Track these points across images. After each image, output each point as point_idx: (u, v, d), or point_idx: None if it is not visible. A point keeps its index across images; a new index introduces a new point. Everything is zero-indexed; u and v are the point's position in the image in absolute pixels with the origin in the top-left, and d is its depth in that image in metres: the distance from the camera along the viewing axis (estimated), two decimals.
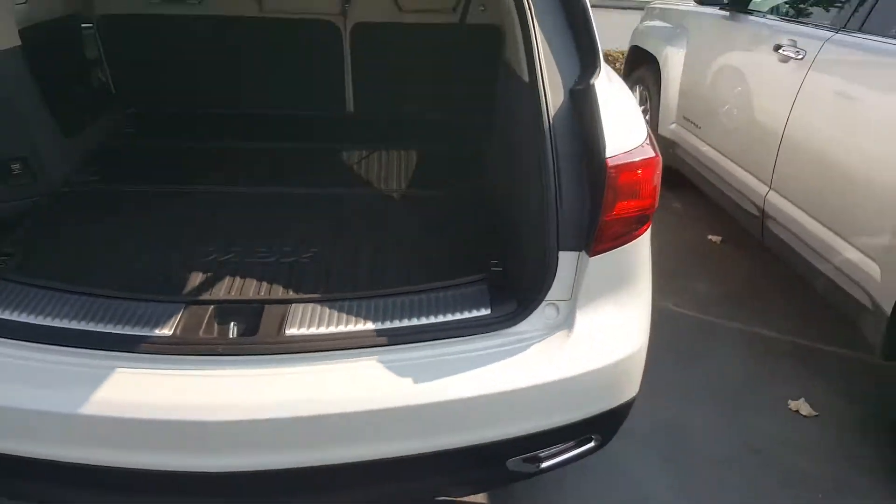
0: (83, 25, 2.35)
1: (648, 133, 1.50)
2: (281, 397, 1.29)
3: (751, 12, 3.27)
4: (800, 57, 2.69)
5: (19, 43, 1.77)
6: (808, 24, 2.86)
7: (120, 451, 1.27)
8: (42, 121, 1.88)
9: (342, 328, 1.41)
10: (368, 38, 2.53)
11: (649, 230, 1.59)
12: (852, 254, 2.35)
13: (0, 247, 1.61)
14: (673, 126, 3.78)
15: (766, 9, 3.26)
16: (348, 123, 2.58)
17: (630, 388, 1.53)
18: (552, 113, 1.39)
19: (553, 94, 1.41)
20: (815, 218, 2.57)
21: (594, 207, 1.37)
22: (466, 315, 1.45)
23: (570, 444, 1.57)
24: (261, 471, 1.29)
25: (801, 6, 3.06)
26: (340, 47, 2.49)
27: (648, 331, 1.61)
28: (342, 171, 2.24)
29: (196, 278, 1.59)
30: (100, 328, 1.36)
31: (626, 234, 1.44)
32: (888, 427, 2.29)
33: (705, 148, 3.43)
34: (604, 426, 1.56)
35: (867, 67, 2.48)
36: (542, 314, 1.45)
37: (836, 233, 2.45)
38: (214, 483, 1.29)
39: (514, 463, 1.49)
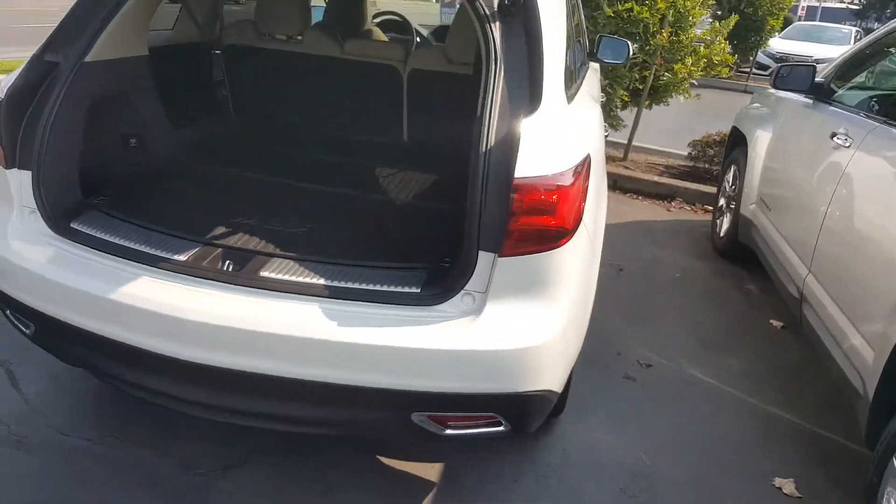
0: (214, 52, 3.05)
1: (577, 164, 1.76)
2: (241, 315, 1.70)
3: (829, 102, 3.32)
4: (846, 144, 2.75)
5: (146, 54, 2.40)
6: (860, 114, 2.91)
7: (126, 329, 1.75)
8: (155, 112, 2.50)
9: (302, 279, 1.80)
10: (422, 82, 3.01)
11: (580, 250, 1.84)
12: (857, 339, 2.36)
13: (104, 190, 2.20)
14: (752, 206, 3.83)
15: (844, 98, 3.31)
16: (401, 149, 3.04)
17: (532, 380, 1.74)
18: (493, 140, 1.71)
19: (498, 124, 1.73)
20: (836, 302, 2.58)
21: (504, 217, 1.67)
22: (399, 289, 1.77)
23: (478, 420, 1.83)
24: (210, 365, 1.70)
25: (865, 98, 3.10)
26: (401, 87, 2.97)
27: (571, 337, 1.85)
28: (371, 180, 2.69)
29: (220, 231, 2.07)
30: (141, 248, 1.87)
31: (534, 245, 1.70)
32: None
33: (772, 230, 3.46)
34: (506, 410, 1.79)
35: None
36: (461, 300, 1.74)
37: (849, 318, 2.47)
38: (178, 368, 1.72)
39: (418, 417, 1.77)
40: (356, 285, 1.78)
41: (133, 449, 2.17)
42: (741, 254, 4.09)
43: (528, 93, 1.78)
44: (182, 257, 1.85)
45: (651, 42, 5.66)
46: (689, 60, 5.81)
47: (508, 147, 1.68)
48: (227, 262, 1.86)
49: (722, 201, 4.49)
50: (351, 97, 2.95)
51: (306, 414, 1.82)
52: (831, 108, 3.24)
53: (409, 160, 2.79)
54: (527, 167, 1.66)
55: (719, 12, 11.15)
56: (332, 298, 1.75)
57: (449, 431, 1.83)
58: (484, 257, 1.71)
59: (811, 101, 3.46)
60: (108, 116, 2.23)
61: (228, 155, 2.77)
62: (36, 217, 1.90)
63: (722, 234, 4.37)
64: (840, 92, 3.37)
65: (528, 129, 1.71)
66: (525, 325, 1.73)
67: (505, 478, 2.28)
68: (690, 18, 5.85)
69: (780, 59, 12.27)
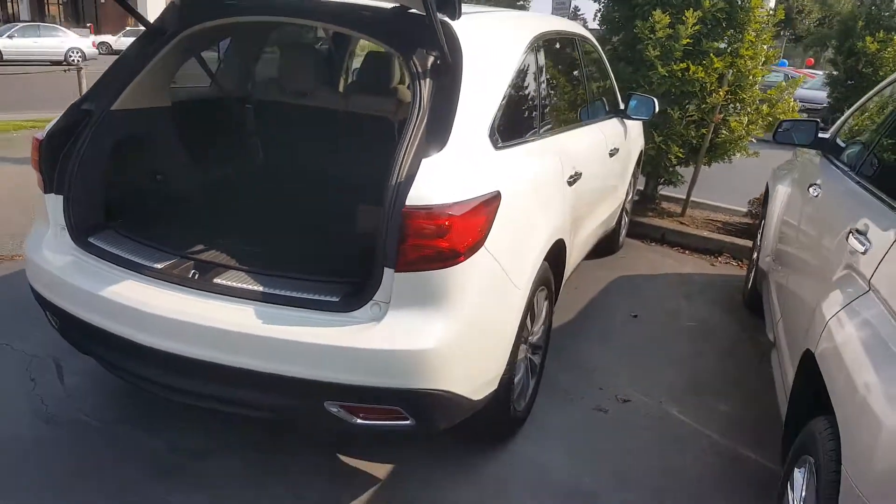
0: (246, 105, 3.62)
1: (472, 198, 2.06)
2: (192, 311, 2.10)
3: (830, 158, 3.35)
4: (815, 195, 2.83)
5: (168, 105, 2.95)
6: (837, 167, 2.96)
7: (111, 321, 2.19)
8: (176, 152, 3.05)
9: (245, 286, 2.19)
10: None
11: (479, 273, 2.11)
12: (788, 370, 2.45)
13: (121, 213, 2.70)
14: (768, 259, 3.86)
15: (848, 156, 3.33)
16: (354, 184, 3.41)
17: (424, 379, 2.01)
18: (403, 175, 2.04)
19: (410, 161, 2.07)
20: (785, 341, 2.66)
21: (397, 239, 1.99)
22: (322, 298, 2.12)
23: (383, 413, 2.12)
24: (166, 351, 2.11)
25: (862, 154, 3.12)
26: (393, 135, 3.38)
27: (471, 347, 2.13)
28: (327, 207, 3.09)
29: (197, 247, 2.54)
30: (134, 258, 2.32)
31: (425, 263, 2.00)
32: None
33: (771, 280, 3.50)
34: (406, 405, 2.06)
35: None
36: (370, 308, 2.06)
37: (788, 354, 2.55)
38: (143, 352, 2.15)
39: (330, 405, 2.09)
40: (288, 293, 2.16)
41: (136, 432, 2.60)
42: (761, 305, 4.08)
43: (437, 136, 2.11)
44: (161, 266, 2.29)
45: (708, 101, 5.77)
46: (745, 118, 5.85)
47: (409, 180, 2.01)
48: (194, 271, 2.30)
49: (754, 255, 4.50)
50: (352, 143, 3.40)
51: (240, 396, 2.16)
52: (820, 157, 3.29)
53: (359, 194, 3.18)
54: (417, 197, 1.98)
55: (835, 72, 10.74)
56: (267, 302, 2.13)
57: (359, 421, 2.13)
58: (388, 273, 2.03)
59: (818, 157, 3.50)
60: (129, 154, 2.73)
61: (224, 188, 3.29)
62: (64, 233, 2.44)
63: (749, 287, 4.37)
64: (846, 148, 3.40)
65: (428, 165, 2.03)
66: (418, 330, 2.02)
67: (445, 483, 2.51)
68: (751, 78, 5.92)
69: None
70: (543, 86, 2.98)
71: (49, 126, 2.50)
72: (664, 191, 6.72)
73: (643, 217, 6.09)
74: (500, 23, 2.88)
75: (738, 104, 5.96)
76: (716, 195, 6.80)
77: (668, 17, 5.45)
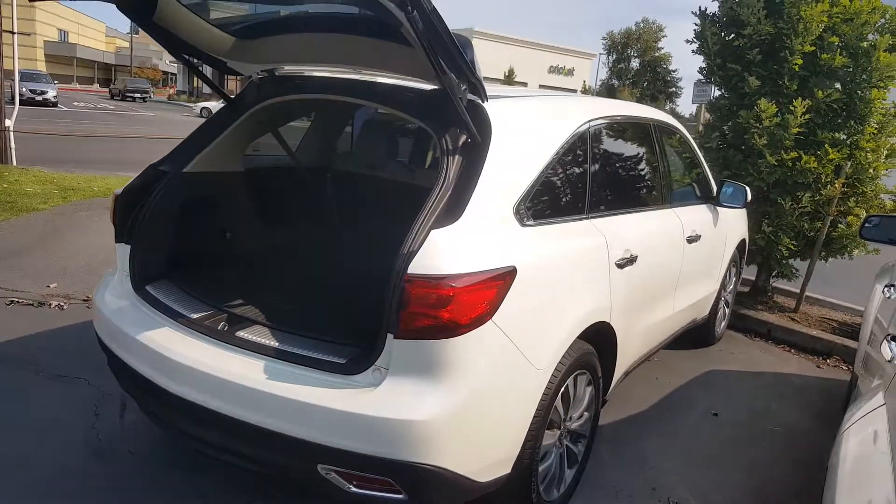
0: (326, 175, 3.86)
1: (479, 271, 2.05)
2: (209, 361, 2.25)
3: None
4: (888, 296, 2.56)
5: (241, 170, 3.20)
6: None
7: (141, 363, 2.39)
8: (239, 213, 3.27)
9: (261, 340, 2.33)
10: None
11: (487, 347, 2.09)
12: None
13: (182, 265, 2.92)
14: (860, 363, 3.48)
15: None
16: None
17: (417, 452, 1.99)
18: (416, 243, 2.08)
19: (425, 231, 2.11)
20: None
21: (398, 305, 2.02)
22: (329, 358, 2.19)
23: (376, 483, 2.10)
24: (188, 399, 2.24)
25: None
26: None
27: (475, 424, 2.11)
28: (353, 273, 3.23)
29: (235, 301, 2.72)
30: (176, 307, 2.54)
31: (426, 332, 2.01)
32: None
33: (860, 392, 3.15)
34: (398, 477, 2.04)
35: None
36: (371, 373, 2.09)
37: None
38: (169, 398, 2.29)
39: (324, 469, 2.10)
40: (300, 351, 2.25)
41: (174, 475, 2.75)
42: None
43: (453, 209, 2.15)
44: (196, 316, 2.49)
45: (822, 192, 5.41)
46: (861, 212, 5.41)
47: (416, 248, 2.05)
48: (224, 324, 2.46)
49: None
50: (371, 200, 3.61)
51: (238, 448, 2.26)
52: None
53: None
54: (419, 265, 2.02)
55: None
56: (277, 358, 2.22)
57: (354, 489, 2.13)
58: (389, 339, 2.06)
59: None
60: (196, 212, 2.99)
61: (274, 249, 3.50)
62: (127, 280, 2.70)
63: (850, 393, 3.92)
64: None
65: (437, 235, 2.07)
66: (412, 399, 2.03)
67: None
68: (872, 171, 5.50)
69: None
70: (596, 168, 2.95)
71: (128, 183, 2.81)
72: (780, 284, 6.28)
73: (750, 310, 5.71)
74: (546, 106, 2.93)
75: (857, 197, 5.52)
76: (840, 292, 6.24)
77: (774, 106, 5.23)
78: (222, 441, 2.30)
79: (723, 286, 4.81)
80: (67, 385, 3.38)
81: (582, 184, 2.83)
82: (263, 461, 2.28)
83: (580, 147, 2.83)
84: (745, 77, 5.47)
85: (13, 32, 10.47)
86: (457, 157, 2.29)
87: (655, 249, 3.38)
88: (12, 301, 4.42)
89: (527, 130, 2.58)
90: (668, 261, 3.60)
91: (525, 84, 38.51)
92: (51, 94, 26.81)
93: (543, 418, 2.41)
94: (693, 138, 4.70)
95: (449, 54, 2.08)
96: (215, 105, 26.85)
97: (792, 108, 5.17)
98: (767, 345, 5.29)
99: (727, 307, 5.27)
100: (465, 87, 2.24)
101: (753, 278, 6.23)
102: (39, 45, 57.11)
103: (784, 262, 5.86)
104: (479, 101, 2.38)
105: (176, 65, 55.59)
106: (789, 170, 5.41)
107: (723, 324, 5.21)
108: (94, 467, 2.78)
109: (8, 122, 10.13)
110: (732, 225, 4.76)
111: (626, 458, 3.26)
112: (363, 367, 2.11)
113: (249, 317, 2.57)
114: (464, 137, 2.33)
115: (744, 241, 5.19)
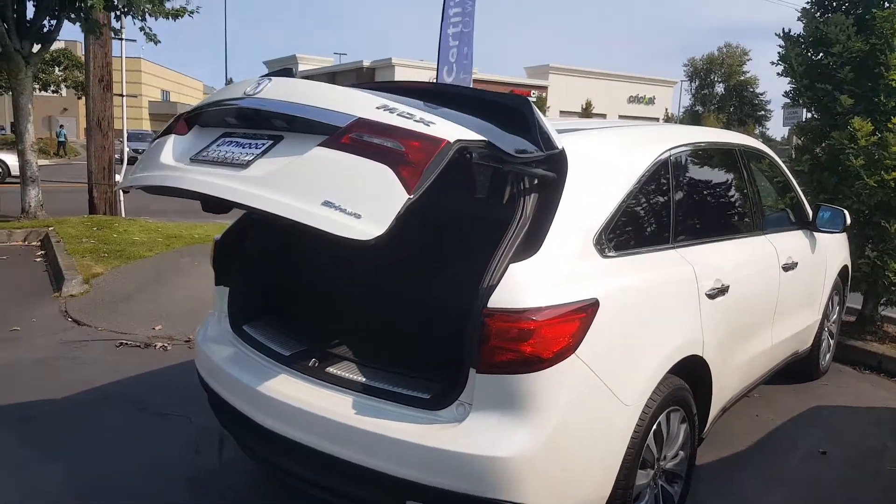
0: None
1: (561, 304, 2.04)
2: (300, 396, 2.32)
3: None
4: None
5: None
6: None
7: (238, 400, 2.49)
8: (331, 250, 3.35)
9: (349, 376, 2.39)
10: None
11: (570, 382, 2.06)
12: None
13: (277, 304, 3.02)
14: None
15: None
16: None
17: (500, 489, 1.98)
18: (496, 278, 2.09)
19: (504, 266, 2.12)
20: None
21: (480, 339, 2.02)
22: (414, 394, 2.21)
23: None
24: (281, 434, 2.31)
25: None
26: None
27: (560, 462, 2.08)
28: (427, 309, 3.21)
29: (325, 337, 2.80)
30: (271, 345, 2.63)
31: (508, 366, 2.00)
32: None
33: None
34: None
35: None
36: (455, 409, 2.10)
37: None
38: (264, 433, 2.37)
39: None
40: (387, 386, 2.29)
41: None
42: None
43: (532, 243, 2.16)
44: (288, 353, 2.57)
45: None
46: None
47: (497, 282, 2.06)
48: (314, 360, 2.52)
49: None
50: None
51: (331, 484, 2.30)
52: None
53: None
54: (499, 300, 2.02)
55: None
56: (365, 394, 2.27)
57: None
58: (472, 374, 2.07)
59: None
60: (288, 254, 3.09)
61: (361, 285, 3.53)
62: (226, 320, 2.84)
63: None
64: None
65: (515, 269, 2.08)
66: (497, 435, 2.02)
67: None
68: None
69: None
70: (680, 196, 2.89)
71: (226, 229, 2.97)
72: (889, 312, 5.87)
73: (858, 341, 5.37)
74: (624, 137, 2.90)
75: None
76: None
77: (870, 124, 4.97)
78: (314, 476, 2.36)
79: (825, 316, 4.55)
80: (170, 422, 3.57)
81: (666, 213, 2.78)
82: (354, 496, 2.32)
83: (662, 176, 2.78)
84: (836, 96, 5.24)
85: (123, 95, 11.40)
86: (533, 194, 2.30)
87: (749, 278, 3.25)
88: (122, 343, 4.73)
89: (604, 162, 2.57)
90: (764, 290, 3.45)
91: (604, 116, 38.28)
92: None
93: (635, 457, 2.33)
94: (784, 162, 4.53)
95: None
96: None
97: (891, 125, 4.90)
98: (879, 378, 4.94)
99: (832, 338, 4.97)
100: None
101: (860, 307, 5.85)
102: (144, 105, 61.68)
103: (892, 288, 5.48)
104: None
105: None
106: (892, 190, 5.09)
107: (828, 356, 4.91)
108: (186, 487, 2.90)
109: (118, 178, 10.95)
110: (832, 251, 4.52)
111: (726, 500, 3.10)
112: (447, 402, 2.13)
113: (338, 353, 2.65)
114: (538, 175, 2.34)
115: (846, 267, 4.91)
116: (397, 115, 2.00)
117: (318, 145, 2.01)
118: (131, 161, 8.01)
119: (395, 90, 2.55)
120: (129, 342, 4.74)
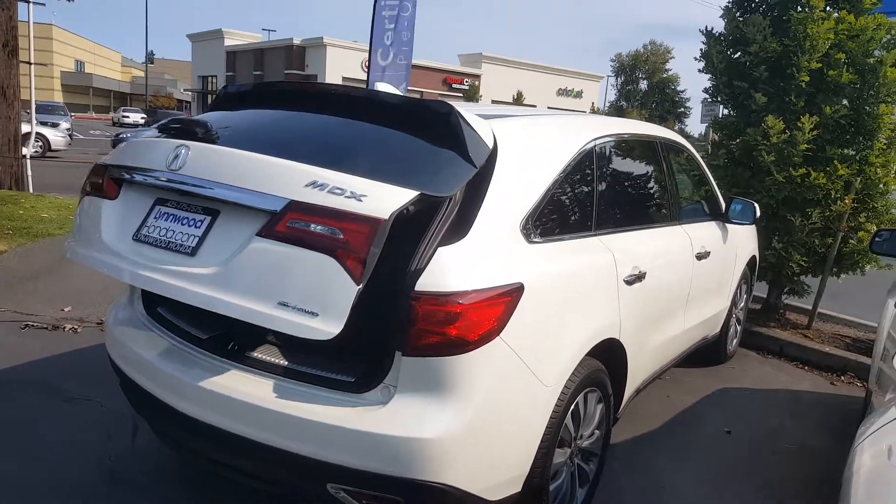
0: None
1: (486, 288, 2.07)
2: (224, 382, 2.25)
3: None
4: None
5: None
6: None
7: (162, 388, 2.39)
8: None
9: (271, 359, 2.31)
10: None
11: (494, 364, 2.09)
12: None
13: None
14: (873, 379, 3.45)
15: None
16: None
17: (426, 470, 1.99)
18: (421, 260, 2.09)
19: (433, 250, 2.12)
20: None
21: (406, 322, 2.02)
22: (338, 377, 2.18)
23: (387, 502, 2.09)
24: (197, 419, 2.24)
25: None
26: None
27: (485, 442, 2.10)
28: None
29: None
30: (192, 331, 2.50)
31: (434, 349, 2.01)
32: None
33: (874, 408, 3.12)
34: (407, 496, 2.04)
35: None
36: (380, 391, 2.09)
37: None
38: (180, 417, 2.30)
39: (334, 488, 2.10)
40: (310, 370, 2.23)
41: (180, 494, 2.77)
42: None
43: (460, 228, 2.16)
44: (206, 336, 2.46)
45: (832, 208, 5.40)
46: (872, 228, 5.38)
47: (423, 266, 2.07)
48: (232, 342, 2.43)
49: None
50: None
51: (251, 468, 2.26)
52: None
53: None
54: (426, 283, 2.03)
55: None
56: (287, 377, 2.22)
57: None
58: (398, 356, 2.07)
59: None
60: None
61: None
62: (139, 301, 2.73)
63: (865, 410, 3.88)
64: None
65: (443, 253, 2.08)
66: (421, 417, 2.02)
67: None
68: (882, 186, 5.50)
69: None
70: (603, 185, 2.96)
71: None
72: (792, 301, 6.24)
73: (762, 327, 5.68)
74: (552, 125, 2.94)
75: (868, 213, 5.51)
76: (854, 309, 6.19)
77: (781, 122, 5.25)
78: (233, 460, 2.30)
79: (734, 303, 4.79)
80: (81, 407, 3.41)
81: (589, 201, 2.85)
82: (274, 480, 2.28)
83: (587, 164, 2.85)
84: (751, 94, 5.50)
85: (30, 63, 10.71)
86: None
87: (664, 266, 3.38)
88: (27, 325, 4.48)
89: (532, 149, 2.60)
90: (678, 277, 3.60)
91: (534, 106, 38.83)
92: (64, 125, 22.90)
93: (554, 436, 2.40)
94: (702, 156, 4.72)
95: None
96: None
97: (800, 124, 5.19)
98: (780, 362, 5.25)
99: (739, 324, 5.25)
100: None
101: (765, 295, 6.20)
102: (56, 76, 58.23)
103: (795, 278, 5.83)
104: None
105: (190, 93, 56.48)
106: (798, 186, 5.40)
107: (735, 341, 5.18)
108: (105, 489, 2.79)
109: (25, 151, 10.32)
110: (742, 242, 4.76)
111: (638, 476, 3.23)
112: (372, 384, 2.12)
113: (259, 335, 2.59)
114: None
115: (754, 257, 5.18)
116: (328, 191, 1.99)
117: (258, 235, 2.04)
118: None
119: (327, 94, 2.69)
120: (35, 324, 4.50)
